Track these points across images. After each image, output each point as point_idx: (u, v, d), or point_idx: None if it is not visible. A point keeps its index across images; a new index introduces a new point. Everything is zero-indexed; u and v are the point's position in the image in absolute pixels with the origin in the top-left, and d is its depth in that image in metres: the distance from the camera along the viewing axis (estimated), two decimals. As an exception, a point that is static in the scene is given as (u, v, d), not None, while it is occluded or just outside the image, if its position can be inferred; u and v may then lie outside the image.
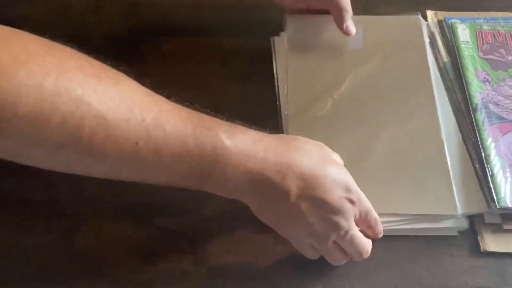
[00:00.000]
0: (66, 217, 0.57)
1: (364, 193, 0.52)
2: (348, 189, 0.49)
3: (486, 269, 0.56)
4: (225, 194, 0.49)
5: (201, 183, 0.48)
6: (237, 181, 0.47)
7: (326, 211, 0.48)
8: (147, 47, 0.70)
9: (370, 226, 0.53)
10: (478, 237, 0.57)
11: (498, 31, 0.69)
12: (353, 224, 0.51)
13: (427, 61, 0.66)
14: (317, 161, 0.49)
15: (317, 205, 0.48)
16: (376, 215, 0.52)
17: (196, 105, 0.48)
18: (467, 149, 0.61)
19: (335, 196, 0.48)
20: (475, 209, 0.57)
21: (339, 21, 0.66)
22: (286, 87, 0.65)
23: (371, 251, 0.53)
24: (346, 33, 0.66)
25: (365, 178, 0.55)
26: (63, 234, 0.57)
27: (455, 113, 0.64)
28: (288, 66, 0.66)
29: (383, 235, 0.54)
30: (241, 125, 0.49)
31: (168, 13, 0.73)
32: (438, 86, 0.65)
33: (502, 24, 0.70)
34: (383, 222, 0.54)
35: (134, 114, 0.42)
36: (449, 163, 0.59)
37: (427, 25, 0.71)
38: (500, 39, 0.68)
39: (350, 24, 0.66)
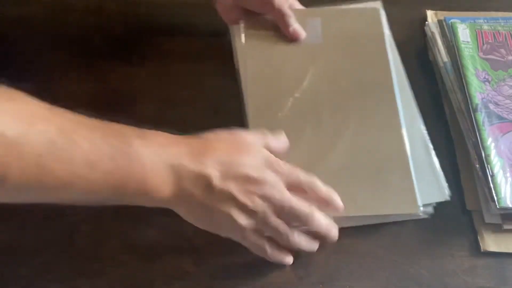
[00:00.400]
0: (66, 217, 0.57)
1: None
2: (267, 161, 0.50)
3: (486, 269, 0.56)
4: (148, 200, 0.48)
5: (120, 191, 0.46)
6: (157, 180, 0.46)
7: (251, 184, 0.49)
8: (147, 47, 0.70)
9: (315, 192, 0.52)
10: (478, 237, 0.57)
11: (498, 31, 0.69)
12: (285, 193, 0.50)
13: (386, 54, 0.65)
14: (232, 144, 0.50)
15: (242, 181, 0.49)
16: (311, 178, 0.52)
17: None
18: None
19: (256, 169, 0.49)
20: (435, 199, 0.58)
21: (284, 26, 0.65)
22: (246, 85, 0.63)
23: (372, 251, 0.53)
24: (294, 37, 0.65)
25: (327, 180, 0.55)
26: (63, 234, 0.57)
27: (457, 113, 0.64)
28: (246, 63, 0.64)
29: (381, 235, 0.54)
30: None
31: (168, 13, 0.73)
32: (400, 78, 0.64)
33: (502, 24, 0.70)
34: (346, 220, 0.55)
35: (34, 126, 0.41)
36: (409, 156, 0.58)
37: (427, 25, 0.71)
38: (500, 39, 0.68)
39: (297, 27, 0.65)
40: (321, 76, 0.63)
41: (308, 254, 0.55)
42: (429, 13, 0.73)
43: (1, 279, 0.54)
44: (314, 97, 0.62)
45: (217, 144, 0.50)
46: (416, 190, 0.57)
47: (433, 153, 0.60)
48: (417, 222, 0.58)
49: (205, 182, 0.48)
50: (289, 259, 0.53)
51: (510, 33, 0.69)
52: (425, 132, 0.62)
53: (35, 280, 0.54)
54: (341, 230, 0.57)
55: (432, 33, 0.70)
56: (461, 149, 0.62)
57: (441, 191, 0.58)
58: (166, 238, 0.57)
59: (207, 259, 0.55)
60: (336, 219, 0.54)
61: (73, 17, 0.72)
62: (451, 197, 0.59)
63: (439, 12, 0.73)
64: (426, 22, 0.72)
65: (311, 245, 0.54)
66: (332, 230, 0.53)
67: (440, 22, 0.71)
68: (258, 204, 0.49)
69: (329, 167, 0.58)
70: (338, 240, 0.56)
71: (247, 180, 0.49)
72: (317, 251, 0.56)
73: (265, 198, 0.49)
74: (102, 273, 0.55)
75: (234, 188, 0.48)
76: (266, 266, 0.55)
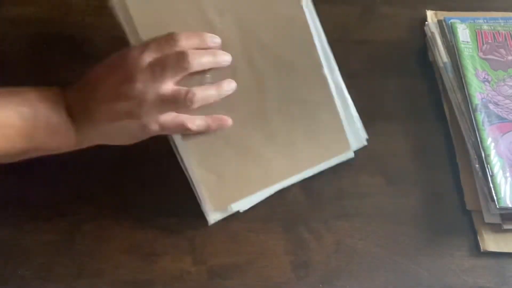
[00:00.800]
0: (66, 217, 0.57)
1: (268, 164, 0.56)
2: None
3: (486, 269, 0.56)
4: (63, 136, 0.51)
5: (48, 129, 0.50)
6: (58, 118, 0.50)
7: (118, 81, 0.52)
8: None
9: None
10: (478, 237, 0.57)
11: (498, 31, 0.69)
12: (144, 58, 0.52)
13: None
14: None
15: (110, 85, 0.52)
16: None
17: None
18: (467, 146, 0.61)
19: (111, 71, 0.53)
20: (354, 145, 0.60)
21: None
22: None
23: (372, 251, 0.52)
24: None
25: (264, 147, 0.55)
26: (63, 234, 0.57)
27: (457, 113, 0.64)
28: (138, 35, 0.54)
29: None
30: None
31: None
32: (314, 20, 0.57)
33: (502, 24, 0.70)
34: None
35: None
36: (335, 96, 0.58)
37: (427, 25, 0.71)
38: (500, 39, 0.68)
39: None
40: (230, 31, 0.53)
41: (308, 254, 0.55)
42: (429, 13, 0.73)
43: (1, 279, 0.54)
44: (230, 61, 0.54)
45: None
46: (347, 130, 0.58)
47: (348, 98, 0.59)
48: (417, 222, 0.58)
49: (85, 106, 0.51)
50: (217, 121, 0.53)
51: (510, 33, 0.69)
52: (339, 75, 0.59)
53: (35, 280, 0.54)
54: (341, 230, 0.57)
55: (432, 33, 0.70)
56: (461, 149, 0.62)
57: (359, 137, 0.60)
58: (166, 238, 0.57)
59: (207, 259, 0.56)
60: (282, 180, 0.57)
61: (73, 17, 0.72)
62: (451, 197, 0.59)
63: (439, 12, 0.73)
64: (426, 22, 0.72)
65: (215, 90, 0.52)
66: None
67: (440, 22, 0.71)
68: (134, 88, 0.50)
69: (263, 135, 0.56)
70: (338, 240, 0.57)
71: (106, 82, 0.52)
72: (316, 251, 0.56)
73: (136, 79, 0.50)
74: (102, 273, 0.55)
75: (107, 97, 0.51)
76: (266, 266, 0.55)
